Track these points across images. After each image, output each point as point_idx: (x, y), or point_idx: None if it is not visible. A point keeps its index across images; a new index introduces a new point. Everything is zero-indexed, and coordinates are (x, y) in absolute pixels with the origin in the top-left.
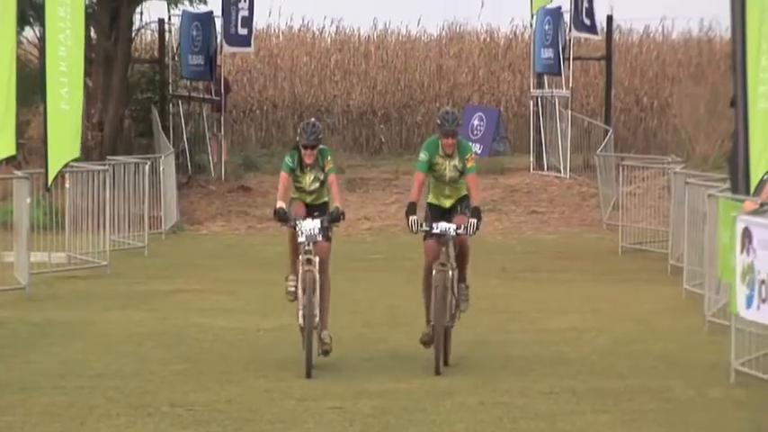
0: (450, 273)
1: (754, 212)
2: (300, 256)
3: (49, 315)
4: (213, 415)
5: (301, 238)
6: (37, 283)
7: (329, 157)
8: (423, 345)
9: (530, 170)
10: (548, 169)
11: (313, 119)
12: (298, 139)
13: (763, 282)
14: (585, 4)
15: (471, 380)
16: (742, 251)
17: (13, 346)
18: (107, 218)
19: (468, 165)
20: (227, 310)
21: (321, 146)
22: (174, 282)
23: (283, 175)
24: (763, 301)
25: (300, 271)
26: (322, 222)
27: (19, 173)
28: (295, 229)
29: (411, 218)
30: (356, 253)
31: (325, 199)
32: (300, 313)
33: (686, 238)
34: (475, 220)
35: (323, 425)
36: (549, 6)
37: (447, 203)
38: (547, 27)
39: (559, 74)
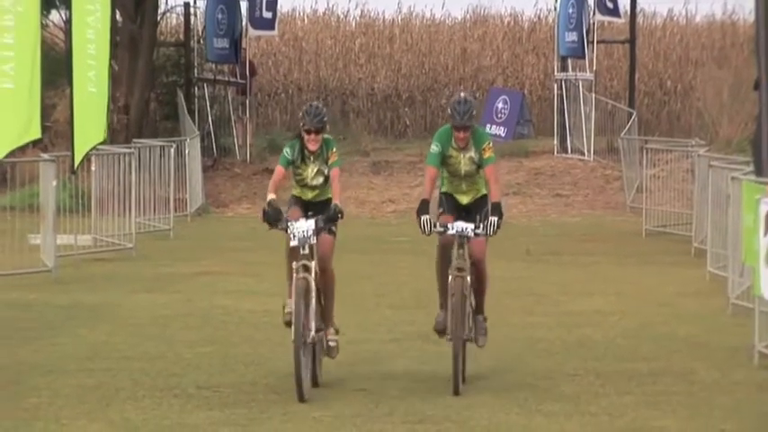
0: (468, 278)
1: None
2: (294, 264)
3: (75, 297)
4: (239, 396)
5: (293, 242)
6: (63, 266)
7: (334, 149)
8: (437, 333)
9: (554, 153)
10: (572, 152)
11: (316, 102)
12: (301, 123)
13: None
14: None
15: (495, 362)
16: (766, 233)
17: (39, 329)
18: (133, 200)
19: (486, 155)
20: (253, 292)
21: (326, 135)
22: (200, 264)
23: (279, 169)
24: None
25: (294, 278)
26: (317, 222)
27: (45, 156)
28: (287, 231)
29: (423, 217)
30: (381, 235)
31: (329, 196)
32: (293, 328)
33: (710, 221)
34: (495, 219)
35: (349, 406)
36: None
37: (464, 200)
38: (571, 11)
39: (583, 57)
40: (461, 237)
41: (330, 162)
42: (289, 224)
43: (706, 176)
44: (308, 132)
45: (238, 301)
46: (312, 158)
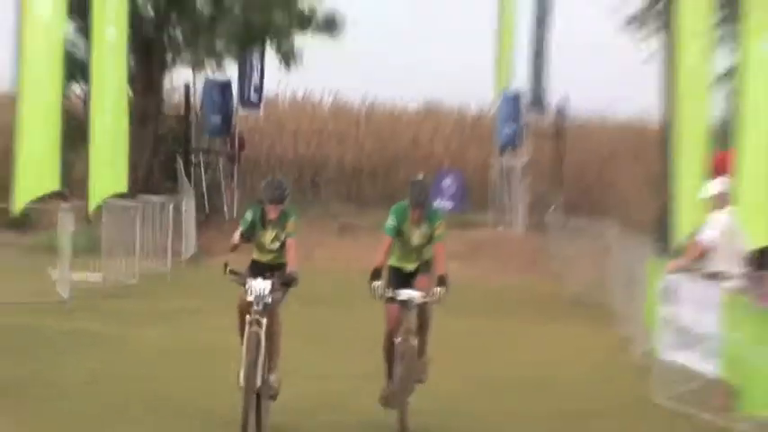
0: (415, 342)
1: (677, 271)
2: (248, 317)
3: (84, 325)
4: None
5: (250, 298)
6: (76, 298)
7: (292, 219)
8: (382, 404)
9: (492, 226)
10: (506, 226)
11: (279, 177)
12: (262, 195)
13: (684, 328)
14: (540, 90)
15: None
16: (666, 303)
17: (48, 350)
18: (137, 246)
19: (437, 232)
20: (234, 328)
21: (287, 207)
22: (193, 302)
23: (237, 234)
24: (684, 345)
25: (246, 330)
26: (273, 284)
27: (65, 205)
28: (244, 286)
29: (374, 284)
30: (348, 289)
31: (283, 261)
32: (242, 374)
33: (621, 291)
34: (442, 289)
35: None
36: (509, 90)
37: (410, 267)
38: (508, 107)
39: (518, 146)
40: (409, 303)
41: (287, 231)
42: (247, 280)
43: (619, 253)
44: (270, 202)
45: (227, 334)
46: (271, 226)
